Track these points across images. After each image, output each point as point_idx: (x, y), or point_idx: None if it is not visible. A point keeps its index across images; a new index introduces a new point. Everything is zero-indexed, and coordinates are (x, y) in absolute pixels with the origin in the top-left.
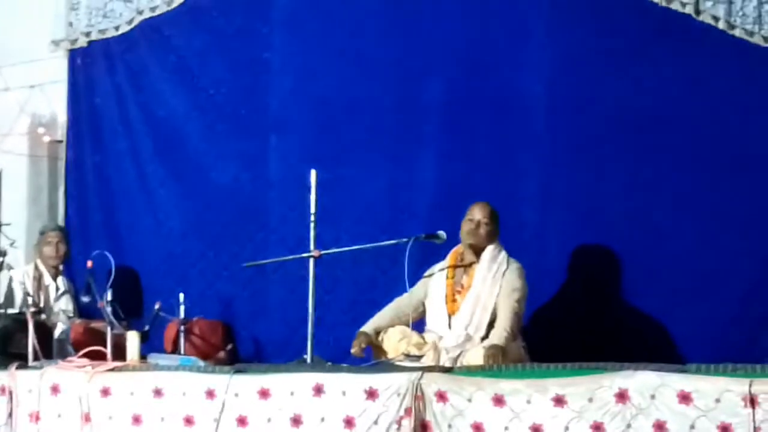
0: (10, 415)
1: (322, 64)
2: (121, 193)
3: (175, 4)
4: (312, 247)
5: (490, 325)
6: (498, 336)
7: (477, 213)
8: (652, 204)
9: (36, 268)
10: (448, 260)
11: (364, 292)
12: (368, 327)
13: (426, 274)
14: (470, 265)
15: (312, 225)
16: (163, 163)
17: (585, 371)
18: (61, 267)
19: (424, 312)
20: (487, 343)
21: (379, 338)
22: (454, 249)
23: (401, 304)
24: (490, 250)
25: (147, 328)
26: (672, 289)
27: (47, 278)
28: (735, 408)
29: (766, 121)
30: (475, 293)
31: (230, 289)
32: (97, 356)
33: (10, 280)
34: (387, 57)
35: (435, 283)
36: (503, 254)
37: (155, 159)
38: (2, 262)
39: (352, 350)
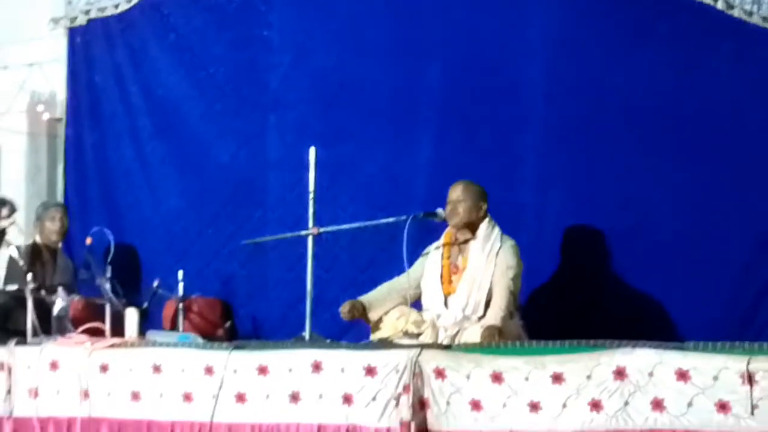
0: (9, 391)
1: (322, 43)
2: (120, 171)
3: None
4: (311, 224)
5: (487, 304)
6: (494, 316)
7: (452, 194)
8: (648, 185)
9: (35, 244)
10: (443, 239)
11: (362, 270)
12: (363, 298)
13: (424, 252)
14: (466, 242)
15: (311, 203)
16: (162, 142)
17: (583, 348)
18: (60, 244)
19: (421, 292)
20: (484, 322)
21: (370, 314)
22: (449, 228)
23: (398, 282)
24: (483, 228)
25: (146, 305)
26: (668, 270)
27: (46, 255)
28: (733, 385)
29: (762, 104)
30: (471, 274)
31: (229, 266)
32: (96, 333)
33: (10, 257)
34: (387, 36)
35: (431, 262)
36: (497, 231)
37: (154, 137)
38: (2, 239)
39: (343, 312)
